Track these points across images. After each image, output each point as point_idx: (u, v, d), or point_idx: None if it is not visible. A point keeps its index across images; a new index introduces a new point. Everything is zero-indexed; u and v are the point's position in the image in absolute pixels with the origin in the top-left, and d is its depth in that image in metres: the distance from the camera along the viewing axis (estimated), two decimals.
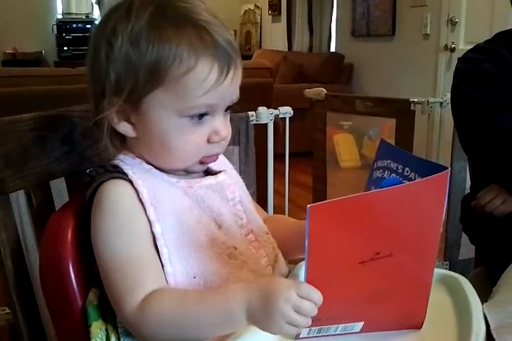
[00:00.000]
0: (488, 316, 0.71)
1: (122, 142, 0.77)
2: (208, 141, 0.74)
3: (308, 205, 0.58)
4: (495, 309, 0.73)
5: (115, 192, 0.72)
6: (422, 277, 0.70)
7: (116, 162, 0.75)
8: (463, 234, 1.55)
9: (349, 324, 0.70)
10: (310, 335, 0.69)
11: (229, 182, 0.81)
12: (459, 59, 1.25)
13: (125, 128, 0.74)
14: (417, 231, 0.65)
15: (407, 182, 0.64)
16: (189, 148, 0.73)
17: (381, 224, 0.63)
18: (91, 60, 0.74)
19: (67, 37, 6.50)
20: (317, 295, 0.61)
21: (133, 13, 0.70)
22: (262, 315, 0.62)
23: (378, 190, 0.61)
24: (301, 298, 0.61)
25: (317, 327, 0.68)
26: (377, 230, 0.63)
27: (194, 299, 0.67)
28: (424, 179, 0.63)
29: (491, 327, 0.69)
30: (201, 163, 0.76)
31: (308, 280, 0.62)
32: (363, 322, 0.70)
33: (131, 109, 0.72)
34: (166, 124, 0.72)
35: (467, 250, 1.80)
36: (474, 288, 0.78)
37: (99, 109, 0.73)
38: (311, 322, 0.62)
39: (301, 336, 0.69)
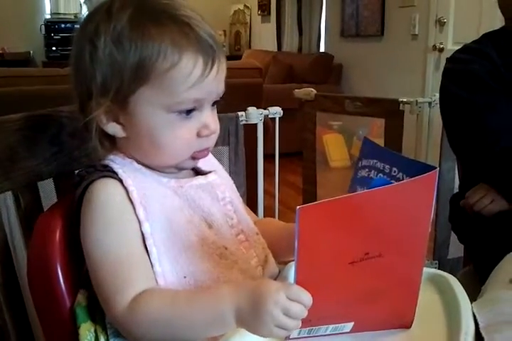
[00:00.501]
0: (477, 315, 0.71)
1: (112, 143, 0.77)
2: (198, 136, 0.74)
3: (298, 207, 0.58)
4: (484, 308, 0.73)
5: (105, 191, 0.72)
6: (411, 276, 0.70)
7: (106, 162, 0.75)
8: (452, 233, 1.56)
9: (339, 324, 0.70)
10: (300, 336, 0.69)
11: (219, 182, 0.81)
12: (447, 59, 1.26)
13: (114, 128, 0.74)
14: (406, 231, 0.66)
15: (396, 183, 0.64)
16: (179, 144, 0.73)
17: (370, 225, 0.63)
18: (75, 61, 0.74)
19: (55, 37, 6.46)
20: (307, 297, 0.61)
21: (114, 13, 0.70)
22: (251, 318, 0.62)
23: (367, 190, 0.61)
24: (290, 300, 0.60)
25: (307, 328, 0.68)
26: (366, 230, 0.63)
27: (184, 299, 0.67)
28: (412, 179, 0.63)
29: (480, 326, 0.70)
30: (192, 158, 0.76)
31: (298, 282, 0.62)
32: (353, 323, 0.70)
33: (119, 108, 0.72)
34: (155, 121, 0.72)
35: (456, 249, 1.81)
36: (463, 286, 0.78)
37: (86, 110, 0.73)
38: (301, 324, 0.62)
39: (291, 337, 0.69)
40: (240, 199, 0.85)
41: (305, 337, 0.69)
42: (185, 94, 0.70)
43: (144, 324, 0.66)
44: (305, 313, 0.61)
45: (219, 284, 0.71)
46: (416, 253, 0.69)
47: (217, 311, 0.64)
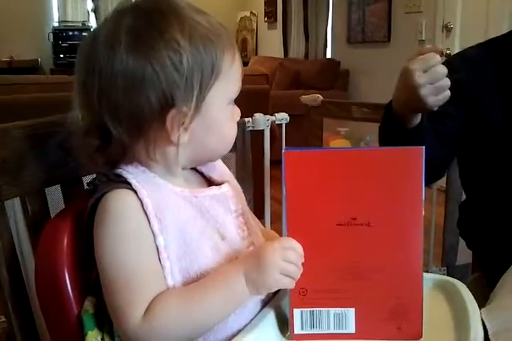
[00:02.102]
0: (486, 321, 0.71)
1: (120, 154, 0.75)
2: None
3: (284, 151, 0.66)
4: (493, 314, 0.73)
5: (121, 201, 0.71)
6: (408, 262, 0.71)
7: (118, 171, 0.73)
8: (460, 239, 1.55)
9: (340, 309, 0.71)
10: (304, 330, 0.71)
11: (232, 194, 0.80)
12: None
13: (182, 135, 0.72)
14: (396, 207, 0.68)
15: (383, 147, 0.67)
16: (234, 130, 0.79)
17: (356, 187, 0.68)
18: (152, 74, 0.69)
19: (63, 44, 6.50)
20: (297, 245, 0.70)
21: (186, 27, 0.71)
22: (256, 272, 0.68)
23: (355, 148, 0.65)
24: (284, 248, 0.69)
25: (309, 309, 0.71)
26: (353, 193, 0.68)
27: (195, 285, 0.70)
28: (399, 147, 0.68)
29: (489, 333, 0.69)
30: None
31: (289, 234, 0.71)
32: (353, 309, 0.71)
33: (195, 111, 0.71)
34: (222, 115, 0.75)
35: (465, 255, 1.79)
36: (472, 293, 0.78)
37: (150, 127, 0.70)
38: (300, 272, 0.70)
39: (295, 332, 0.71)
40: (248, 209, 0.85)
41: (310, 334, 0.72)
42: (239, 83, 0.77)
43: (164, 328, 0.67)
44: (300, 258, 0.70)
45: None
46: (410, 236, 0.70)
47: (228, 280, 0.69)
